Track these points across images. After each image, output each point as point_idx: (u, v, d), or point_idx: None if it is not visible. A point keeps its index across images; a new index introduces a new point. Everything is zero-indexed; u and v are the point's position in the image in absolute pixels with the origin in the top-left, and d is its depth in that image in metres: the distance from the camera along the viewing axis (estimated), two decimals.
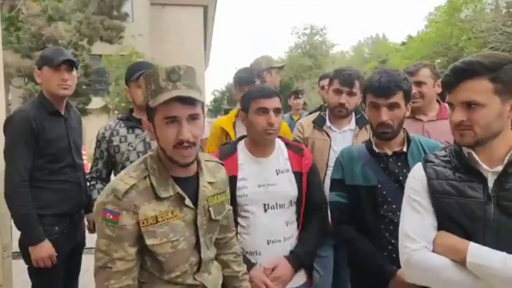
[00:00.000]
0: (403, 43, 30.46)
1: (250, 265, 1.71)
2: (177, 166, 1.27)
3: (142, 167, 1.27)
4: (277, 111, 1.76)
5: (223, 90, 35.29)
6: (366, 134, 2.33)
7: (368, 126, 2.33)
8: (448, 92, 1.27)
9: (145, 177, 1.25)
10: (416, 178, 1.34)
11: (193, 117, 1.22)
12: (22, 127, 2.06)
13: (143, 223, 1.22)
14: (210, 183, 1.39)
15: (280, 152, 1.87)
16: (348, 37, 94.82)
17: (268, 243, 1.74)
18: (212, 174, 1.42)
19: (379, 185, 1.67)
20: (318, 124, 2.38)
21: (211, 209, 1.37)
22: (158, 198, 1.25)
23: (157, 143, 1.28)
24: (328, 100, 2.38)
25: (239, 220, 1.76)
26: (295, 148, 1.91)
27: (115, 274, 1.21)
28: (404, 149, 1.72)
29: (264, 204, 1.76)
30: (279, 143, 1.88)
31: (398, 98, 1.65)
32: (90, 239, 2.87)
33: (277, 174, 1.81)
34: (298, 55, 35.53)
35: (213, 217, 1.38)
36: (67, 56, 2.19)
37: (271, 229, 1.75)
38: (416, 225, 1.28)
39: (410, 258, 1.25)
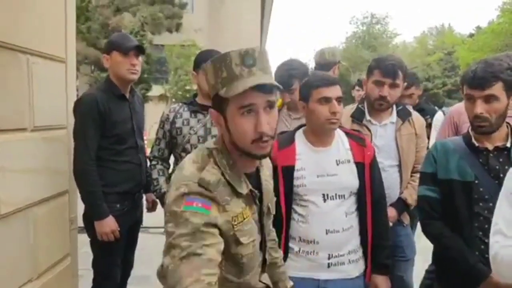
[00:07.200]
0: (471, 35, 28.53)
1: None
2: (248, 161, 1.15)
3: (212, 162, 1.12)
4: (339, 100, 1.73)
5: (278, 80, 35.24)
6: (409, 127, 2.22)
7: (412, 119, 2.25)
8: None
9: (221, 173, 1.11)
10: None
11: (270, 105, 1.08)
12: (90, 109, 2.16)
13: (234, 220, 1.09)
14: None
15: (340, 142, 1.81)
16: (410, 27, 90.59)
17: (326, 233, 1.71)
18: (267, 167, 1.33)
19: (476, 181, 1.60)
20: (357, 117, 2.24)
21: (270, 204, 1.28)
22: (237, 195, 1.12)
23: (226, 137, 1.13)
24: (367, 92, 2.24)
25: (297, 208, 1.75)
26: (356, 138, 1.85)
27: (208, 263, 0.98)
28: (508, 144, 1.62)
29: (323, 194, 1.73)
30: (339, 133, 1.83)
31: (496, 89, 1.54)
32: (145, 219, 3.00)
33: (337, 164, 1.76)
34: (355, 45, 34.48)
35: (272, 212, 1.30)
36: (135, 42, 2.30)
37: (330, 219, 1.72)
38: None
39: (497, 254, 1.19)
